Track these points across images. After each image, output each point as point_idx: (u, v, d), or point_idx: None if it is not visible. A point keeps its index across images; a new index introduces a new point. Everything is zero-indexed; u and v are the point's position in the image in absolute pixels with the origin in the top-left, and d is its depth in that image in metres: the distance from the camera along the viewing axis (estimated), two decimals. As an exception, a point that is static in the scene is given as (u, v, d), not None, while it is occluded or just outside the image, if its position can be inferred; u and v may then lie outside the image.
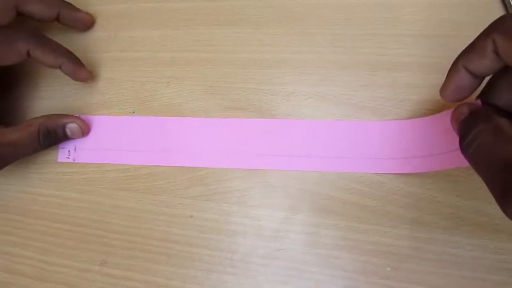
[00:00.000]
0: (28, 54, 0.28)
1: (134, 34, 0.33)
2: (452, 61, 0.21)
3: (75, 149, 0.31)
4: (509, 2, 0.27)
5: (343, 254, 0.27)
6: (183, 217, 0.29)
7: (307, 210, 0.28)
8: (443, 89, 0.21)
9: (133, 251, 0.29)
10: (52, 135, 0.29)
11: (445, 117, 0.24)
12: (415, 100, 0.28)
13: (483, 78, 0.20)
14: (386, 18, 0.29)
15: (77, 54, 0.33)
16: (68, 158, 0.31)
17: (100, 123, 0.31)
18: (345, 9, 0.30)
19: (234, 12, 0.31)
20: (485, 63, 0.18)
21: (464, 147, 0.19)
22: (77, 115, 0.31)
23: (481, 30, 0.28)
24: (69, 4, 0.31)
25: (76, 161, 0.31)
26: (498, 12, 0.28)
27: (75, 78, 0.30)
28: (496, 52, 0.18)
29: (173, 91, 0.31)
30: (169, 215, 0.29)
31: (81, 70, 0.30)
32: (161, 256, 0.29)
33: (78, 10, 0.32)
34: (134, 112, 0.31)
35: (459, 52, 0.20)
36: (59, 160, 0.31)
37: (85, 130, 0.30)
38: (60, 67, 0.29)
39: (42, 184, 0.31)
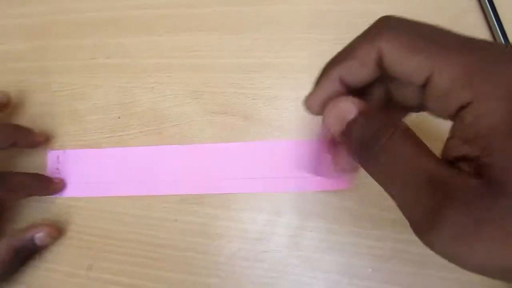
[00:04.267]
0: None
1: (119, 41, 0.33)
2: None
3: None
4: (486, 4, 0.27)
5: (325, 256, 0.27)
6: (168, 221, 0.30)
7: (290, 213, 0.28)
8: (311, 100, 0.17)
9: (120, 255, 0.30)
10: (23, 253, 0.28)
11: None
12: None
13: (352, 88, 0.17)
14: (364, 22, 0.29)
15: (64, 62, 0.34)
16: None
17: (85, 156, 0.32)
18: (324, 15, 0.30)
19: (217, 18, 0.32)
20: (365, 74, 0.16)
21: (369, 158, 0.15)
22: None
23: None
24: (24, 130, 0.30)
25: (63, 196, 0.31)
26: (474, 13, 0.28)
27: (32, 147, 0.30)
28: (379, 63, 0.15)
29: (157, 96, 0.32)
30: (155, 219, 0.30)
31: (34, 138, 0.30)
32: (147, 260, 0.29)
33: (32, 134, 0.30)
34: (119, 118, 0.32)
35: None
36: None
37: (53, 233, 0.29)
38: (15, 145, 0.28)
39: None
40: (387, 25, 0.16)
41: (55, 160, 0.32)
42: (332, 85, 0.17)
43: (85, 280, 0.30)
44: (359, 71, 0.16)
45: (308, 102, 0.18)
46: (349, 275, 0.27)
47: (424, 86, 0.15)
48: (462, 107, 0.14)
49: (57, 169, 0.32)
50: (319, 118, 0.18)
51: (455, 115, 0.14)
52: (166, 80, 0.32)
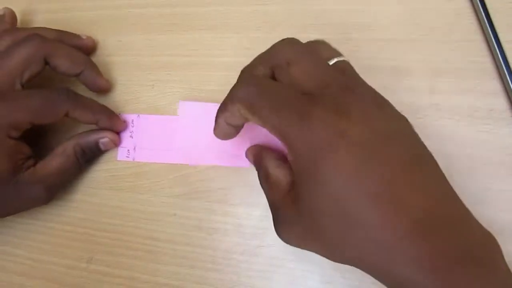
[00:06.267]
0: (66, 115, 0.28)
1: (120, 39, 0.34)
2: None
3: (134, 149, 0.32)
4: (479, 7, 0.28)
5: (319, 251, 0.28)
6: (167, 215, 0.30)
7: (285, 208, 0.29)
8: (215, 133, 0.25)
9: (119, 249, 0.30)
10: (88, 153, 0.30)
11: None
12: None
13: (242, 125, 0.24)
14: (361, 23, 0.30)
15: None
16: (128, 157, 0.32)
17: (157, 122, 0.32)
18: (322, 14, 0.31)
19: (217, 17, 0.33)
20: (238, 120, 0.22)
21: (260, 178, 0.25)
22: (123, 119, 0.32)
23: (452, 35, 0.29)
24: (94, 65, 0.31)
25: (135, 160, 0.32)
26: (468, 16, 0.29)
27: (111, 129, 0.31)
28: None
29: (157, 94, 0.32)
30: (153, 214, 0.30)
31: (117, 123, 0.31)
32: (146, 253, 0.30)
33: (99, 74, 0.32)
34: (120, 115, 0.32)
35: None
36: (118, 158, 0.32)
37: (117, 141, 0.31)
38: (96, 123, 0.30)
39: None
40: (240, 91, 0.22)
41: (129, 124, 0.32)
42: (222, 126, 0.23)
43: (85, 272, 0.30)
44: (234, 119, 0.22)
45: (215, 135, 0.25)
46: (342, 270, 0.28)
47: None
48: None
49: (131, 132, 0.32)
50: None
51: None
52: (166, 78, 0.32)
